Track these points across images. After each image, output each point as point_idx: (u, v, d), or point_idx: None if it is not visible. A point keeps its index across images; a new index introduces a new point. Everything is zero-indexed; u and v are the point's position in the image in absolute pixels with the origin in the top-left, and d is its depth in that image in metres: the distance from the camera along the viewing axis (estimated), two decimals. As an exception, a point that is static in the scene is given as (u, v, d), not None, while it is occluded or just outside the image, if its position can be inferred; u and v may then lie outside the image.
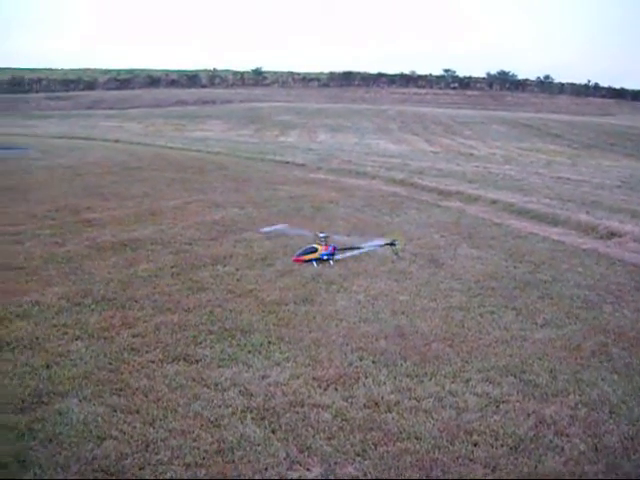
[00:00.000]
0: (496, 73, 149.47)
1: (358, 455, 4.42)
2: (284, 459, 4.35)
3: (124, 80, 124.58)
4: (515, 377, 5.77)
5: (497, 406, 5.20)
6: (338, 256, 9.76)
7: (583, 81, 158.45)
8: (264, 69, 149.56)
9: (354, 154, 30.08)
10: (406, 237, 11.23)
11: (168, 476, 4.10)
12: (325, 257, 9.60)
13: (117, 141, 34.34)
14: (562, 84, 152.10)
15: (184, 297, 7.74)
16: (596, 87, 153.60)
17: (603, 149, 42.73)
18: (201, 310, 7.28)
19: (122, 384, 5.38)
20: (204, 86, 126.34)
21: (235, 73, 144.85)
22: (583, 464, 4.36)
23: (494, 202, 15.75)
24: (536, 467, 4.31)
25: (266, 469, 4.22)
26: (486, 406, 5.20)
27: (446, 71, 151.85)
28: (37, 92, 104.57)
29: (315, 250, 9.65)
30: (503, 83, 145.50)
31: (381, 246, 10.42)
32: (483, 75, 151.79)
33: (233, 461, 4.29)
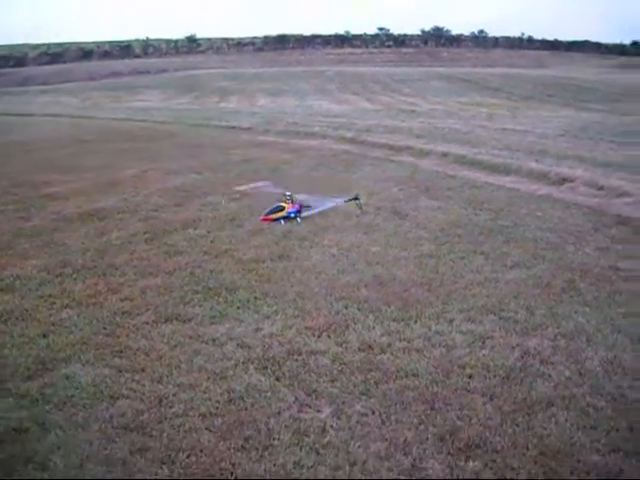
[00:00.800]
0: (430, 30, 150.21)
1: (363, 394, 4.66)
2: (293, 402, 4.56)
3: (55, 54, 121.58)
4: (495, 315, 6.07)
5: (483, 342, 5.48)
6: (305, 213, 9.98)
7: (517, 34, 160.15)
8: (198, 36, 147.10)
9: (298, 116, 30.13)
10: (366, 192, 11.44)
11: (187, 426, 4.28)
12: (292, 215, 9.80)
13: (58, 115, 33.77)
14: (496, 38, 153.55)
15: (162, 261, 7.85)
16: (530, 40, 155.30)
17: (541, 100, 43.59)
18: (182, 272, 7.42)
19: (121, 346, 5.51)
20: (138, 56, 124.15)
21: (168, 42, 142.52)
22: (571, 387, 4.67)
23: (445, 155, 16.07)
24: (529, 392, 4.60)
25: (279, 413, 4.42)
26: (473, 342, 5.48)
27: (380, 30, 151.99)
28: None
29: (282, 209, 9.84)
30: (438, 39, 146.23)
31: (345, 202, 10.66)
32: (418, 32, 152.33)
33: (246, 408, 4.49)
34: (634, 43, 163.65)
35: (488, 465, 3.81)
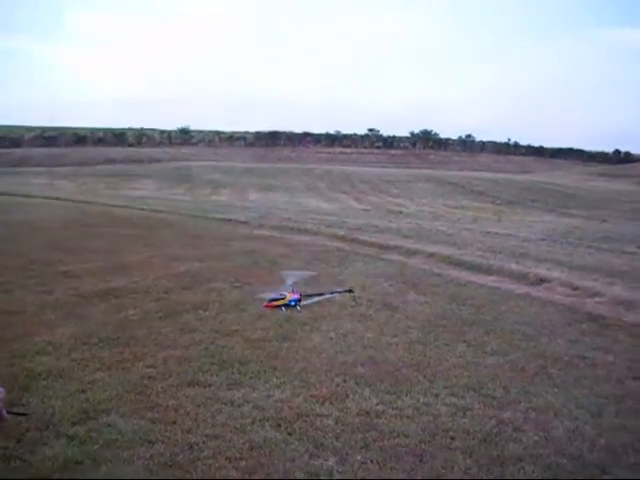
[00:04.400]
0: (419, 132, 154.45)
1: (362, 448, 5.52)
2: (304, 452, 5.41)
3: (50, 138, 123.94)
4: (475, 392, 6.97)
5: (464, 412, 6.38)
6: (304, 302, 10.90)
7: (503, 139, 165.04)
8: (191, 128, 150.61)
9: (291, 212, 31.39)
10: (359, 286, 12.42)
11: (217, 465, 5.12)
12: (293, 303, 10.71)
13: (59, 199, 34.95)
14: (483, 142, 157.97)
15: (178, 336, 8.73)
16: (516, 145, 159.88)
17: (525, 205, 45.25)
18: (197, 347, 8.30)
19: (152, 403, 6.36)
20: (131, 145, 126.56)
21: (162, 132, 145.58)
22: (538, 448, 5.57)
23: (432, 255, 17.14)
24: (502, 451, 5.49)
25: (293, 459, 5.27)
26: (455, 412, 6.38)
27: (370, 130, 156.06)
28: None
29: (284, 297, 10.77)
30: (426, 142, 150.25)
31: (340, 293, 11.64)
32: (407, 134, 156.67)
33: (265, 455, 5.33)
34: (616, 152, 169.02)
35: (467, 502, 4.67)
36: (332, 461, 5.29)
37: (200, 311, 10.16)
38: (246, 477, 4.96)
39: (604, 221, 33.36)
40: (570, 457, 5.43)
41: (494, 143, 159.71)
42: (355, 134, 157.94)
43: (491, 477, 5.04)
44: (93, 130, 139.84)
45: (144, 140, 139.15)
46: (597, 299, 11.61)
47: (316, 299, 11.20)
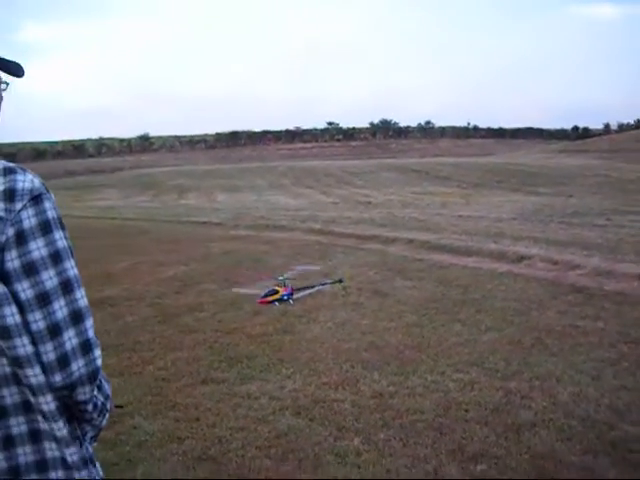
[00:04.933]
0: (379, 122, 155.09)
1: (383, 427, 5.78)
2: (329, 435, 5.66)
3: (9, 154, 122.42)
4: (478, 366, 7.27)
5: (472, 386, 6.67)
6: (296, 295, 11.14)
7: (463, 124, 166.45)
8: (150, 135, 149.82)
9: (262, 210, 31.58)
10: (346, 276, 12.68)
11: (249, 455, 5.35)
12: (286, 297, 10.95)
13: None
14: (443, 128, 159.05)
15: (181, 338, 8.92)
16: (476, 128, 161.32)
17: (491, 187, 45.82)
18: (202, 346, 8.50)
19: (171, 403, 6.56)
20: (91, 155, 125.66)
21: (122, 141, 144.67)
22: (548, 413, 5.87)
23: (410, 241, 17.44)
24: (515, 418, 5.79)
25: (319, 443, 5.51)
26: (464, 387, 6.66)
27: (330, 124, 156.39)
28: None
29: (276, 292, 11.00)
30: (386, 131, 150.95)
31: (331, 284, 11.89)
32: (366, 125, 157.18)
33: (293, 441, 5.57)
34: (575, 128, 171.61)
35: (492, 467, 4.95)
36: (357, 441, 5.53)
37: (197, 312, 10.35)
38: (279, 463, 5.18)
39: (570, 196, 33.97)
40: (579, 418, 5.74)
41: (454, 128, 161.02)
42: (315, 128, 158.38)
43: (509, 444, 5.32)
44: (51, 144, 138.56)
45: (104, 150, 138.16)
46: (578, 271, 11.99)
47: (307, 292, 11.45)
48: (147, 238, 21.40)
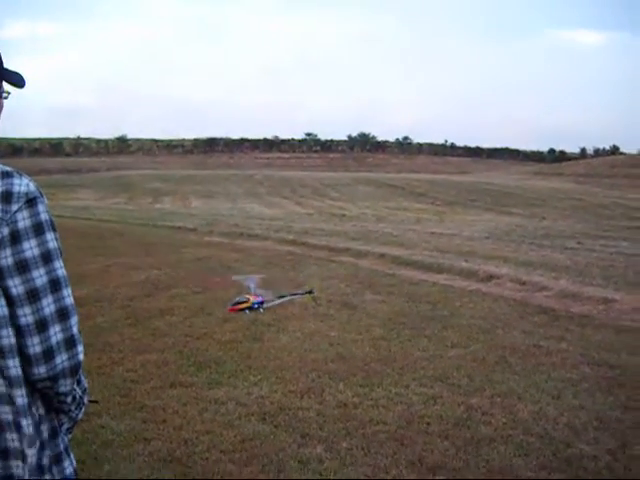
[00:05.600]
0: (357, 135, 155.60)
1: (346, 436, 5.91)
2: (293, 442, 5.77)
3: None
4: (442, 382, 7.42)
5: (435, 400, 6.82)
6: (266, 305, 11.24)
7: (440, 141, 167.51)
8: (128, 137, 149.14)
9: (237, 218, 31.69)
10: (316, 288, 12.79)
11: (213, 458, 5.44)
12: (256, 306, 11.04)
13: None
14: (420, 144, 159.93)
15: (151, 341, 8.99)
16: (453, 146, 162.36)
17: (465, 205, 46.26)
18: (171, 350, 8.57)
19: (139, 404, 6.64)
20: (68, 154, 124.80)
21: (99, 141, 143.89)
22: (507, 430, 6.03)
23: (382, 256, 17.61)
24: (475, 433, 5.94)
25: (283, 449, 5.62)
26: (427, 401, 6.81)
27: (308, 135, 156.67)
28: None
29: (247, 300, 11.09)
30: (364, 145, 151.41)
31: (301, 295, 12.00)
32: (344, 138, 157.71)
33: (257, 446, 5.68)
34: (551, 151, 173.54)
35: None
36: (320, 449, 5.65)
37: (167, 316, 10.42)
38: (242, 467, 5.29)
39: (543, 219, 34.43)
40: (537, 435, 5.91)
41: (431, 145, 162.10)
42: (293, 139, 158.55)
43: (468, 457, 5.46)
44: (28, 141, 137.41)
45: (81, 150, 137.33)
46: (545, 293, 12.21)
47: (278, 301, 11.54)
48: (121, 240, 21.41)
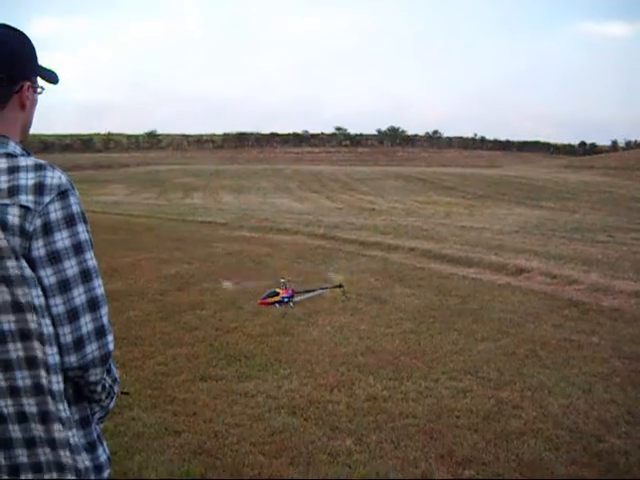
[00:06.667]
0: (387, 129, 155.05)
1: (375, 429, 5.92)
2: (323, 435, 5.80)
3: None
4: (472, 375, 7.41)
5: (465, 394, 6.81)
6: (296, 298, 11.28)
7: (470, 135, 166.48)
8: (158, 132, 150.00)
9: (267, 213, 31.69)
10: (346, 282, 12.79)
11: (243, 450, 5.49)
12: (286, 300, 11.09)
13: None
14: (450, 138, 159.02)
15: (182, 335, 9.06)
16: (483, 140, 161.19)
17: (495, 199, 45.86)
18: (202, 344, 8.64)
19: (170, 397, 6.71)
20: (99, 150, 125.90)
21: (129, 137, 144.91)
22: (537, 423, 6.01)
23: (412, 249, 17.57)
24: (505, 426, 5.93)
25: (313, 441, 5.65)
26: (456, 394, 6.80)
27: (338, 129, 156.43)
28: None
29: (277, 294, 11.14)
30: (394, 139, 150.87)
31: (330, 289, 12.02)
32: (374, 132, 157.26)
33: (287, 438, 5.72)
34: (582, 143, 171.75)
35: (480, 473, 5.09)
36: (349, 442, 5.67)
37: (198, 310, 10.49)
38: (272, 460, 5.32)
39: (574, 212, 34.07)
40: (567, 429, 5.88)
41: (461, 138, 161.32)
42: (323, 133, 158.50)
43: (498, 451, 5.45)
44: (60, 137, 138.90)
45: (112, 145, 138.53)
46: (575, 286, 12.11)
47: (307, 295, 11.57)
48: (152, 235, 21.56)
